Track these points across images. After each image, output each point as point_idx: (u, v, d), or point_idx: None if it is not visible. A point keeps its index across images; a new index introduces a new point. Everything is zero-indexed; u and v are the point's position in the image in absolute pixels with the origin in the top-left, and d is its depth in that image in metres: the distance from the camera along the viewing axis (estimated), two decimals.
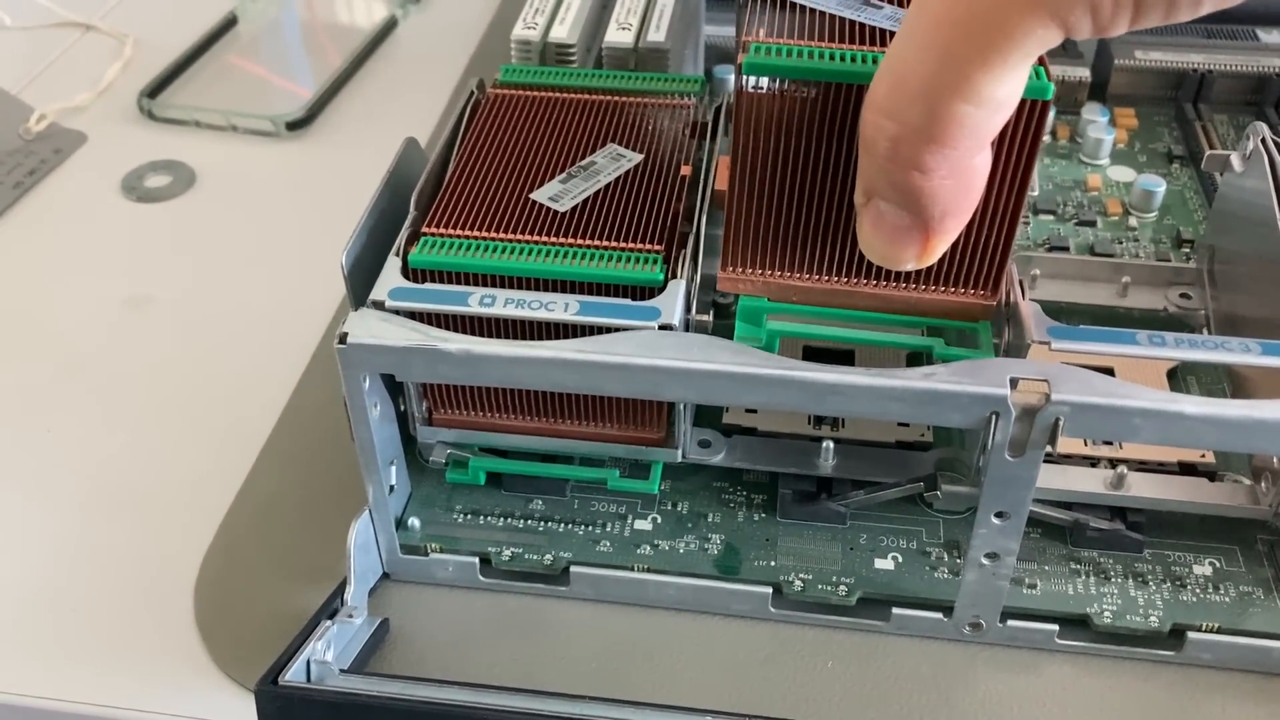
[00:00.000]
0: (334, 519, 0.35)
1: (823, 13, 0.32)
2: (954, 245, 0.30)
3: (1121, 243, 0.47)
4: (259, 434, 0.41)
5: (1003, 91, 0.25)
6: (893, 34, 0.30)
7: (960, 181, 0.26)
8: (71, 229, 0.52)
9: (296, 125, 0.57)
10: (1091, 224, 0.48)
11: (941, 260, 0.30)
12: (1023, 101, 0.28)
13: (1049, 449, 0.29)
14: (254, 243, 0.51)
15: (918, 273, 0.32)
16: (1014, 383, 0.29)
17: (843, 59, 0.29)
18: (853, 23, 0.31)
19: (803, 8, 0.32)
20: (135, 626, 0.36)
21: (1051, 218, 0.48)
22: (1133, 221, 0.48)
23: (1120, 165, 0.51)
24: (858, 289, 0.33)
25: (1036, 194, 0.49)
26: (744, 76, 0.30)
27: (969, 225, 0.29)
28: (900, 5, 0.32)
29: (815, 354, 0.36)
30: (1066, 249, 0.46)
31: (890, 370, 0.29)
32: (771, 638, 0.34)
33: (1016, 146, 0.30)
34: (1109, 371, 0.33)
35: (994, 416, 0.29)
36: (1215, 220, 0.43)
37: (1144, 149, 0.52)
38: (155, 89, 0.59)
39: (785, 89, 0.30)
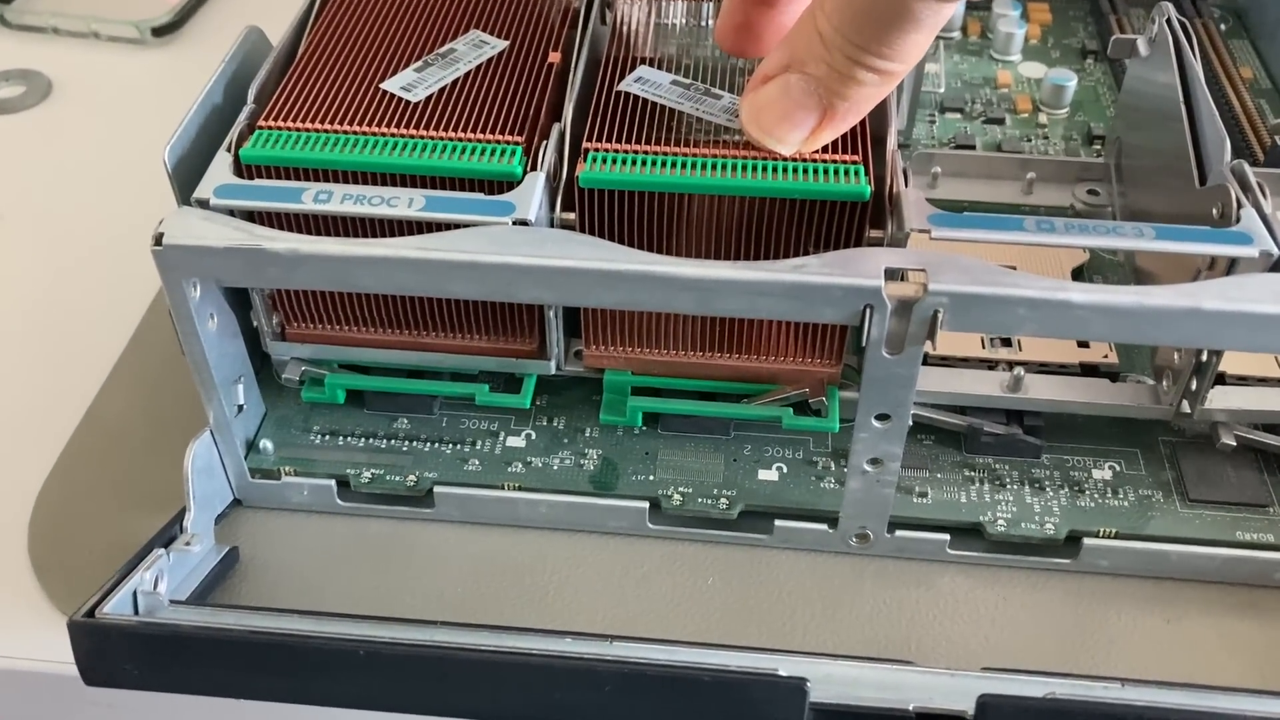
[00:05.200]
0: (184, 447, 0.33)
1: (664, 106, 0.32)
2: (800, 322, 0.31)
3: (1031, 140, 0.45)
4: (107, 358, 0.38)
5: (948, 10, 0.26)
6: (728, 128, 0.31)
7: (886, 90, 0.28)
8: None
9: (163, 31, 0.53)
10: (1000, 121, 0.46)
11: (788, 334, 0.32)
12: (842, 204, 0.29)
13: (930, 345, 0.27)
14: (114, 156, 0.47)
15: (768, 345, 0.32)
16: (891, 273, 0.26)
17: (674, 167, 0.29)
18: (689, 117, 0.31)
19: (646, 101, 0.32)
20: None
21: (959, 116, 0.46)
22: (1043, 118, 0.46)
23: (1032, 61, 0.49)
24: (715, 361, 0.33)
25: (943, 91, 0.47)
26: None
27: None
28: (739, 94, 0.32)
29: None
30: (973, 147, 0.44)
31: (758, 264, 0.27)
32: (649, 555, 0.32)
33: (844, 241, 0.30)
34: None
35: (868, 310, 0.26)
36: (1123, 113, 0.41)
37: (1057, 44, 0.50)
38: None
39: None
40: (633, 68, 0.33)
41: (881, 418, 0.29)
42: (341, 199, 0.29)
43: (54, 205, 0.45)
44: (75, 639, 0.26)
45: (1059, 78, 0.46)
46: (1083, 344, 0.35)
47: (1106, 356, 0.34)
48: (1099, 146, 0.44)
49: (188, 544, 0.30)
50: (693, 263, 0.27)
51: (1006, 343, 0.35)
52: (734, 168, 0.29)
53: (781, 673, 0.25)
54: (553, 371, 0.33)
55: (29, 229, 0.44)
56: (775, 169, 0.29)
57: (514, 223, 0.28)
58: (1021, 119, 0.46)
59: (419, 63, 0.33)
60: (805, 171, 0.29)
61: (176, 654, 0.27)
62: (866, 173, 0.29)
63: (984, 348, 0.34)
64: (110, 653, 0.27)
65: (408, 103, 0.32)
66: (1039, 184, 0.41)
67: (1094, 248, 0.29)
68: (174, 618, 0.27)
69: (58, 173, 0.47)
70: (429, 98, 0.32)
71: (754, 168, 0.29)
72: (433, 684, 0.26)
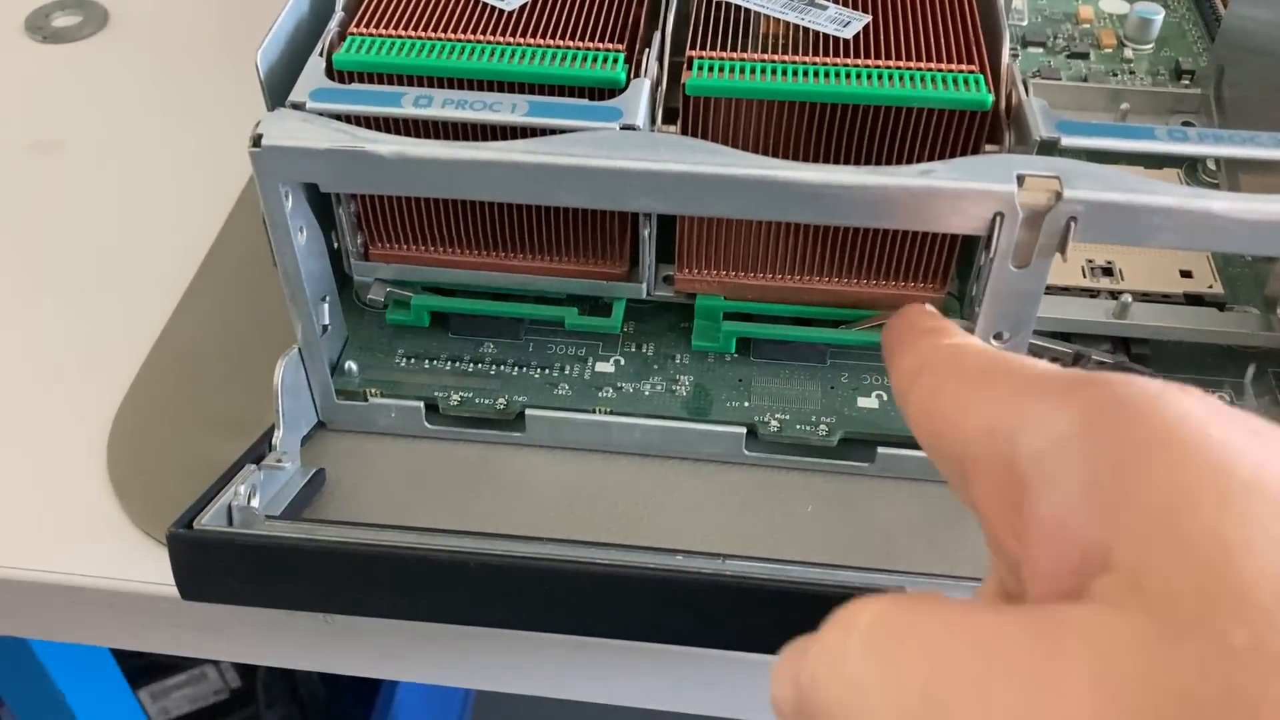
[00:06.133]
0: (261, 370, 0.32)
1: (768, 16, 0.30)
2: (905, 243, 0.30)
3: (1117, 75, 0.43)
4: (179, 282, 0.38)
5: None
6: (836, 38, 0.29)
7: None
8: None
9: None
10: (1084, 56, 0.44)
11: (892, 256, 0.31)
12: (962, 113, 0.28)
13: (1060, 258, 0.26)
14: (173, 85, 0.46)
15: (869, 268, 0.31)
16: (1021, 180, 0.25)
17: (784, 74, 0.28)
18: (797, 27, 0.30)
19: (748, 10, 0.31)
20: (42, 483, 0.32)
21: (1041, 50, 0.45)
22: (1128, 53, 0.44)
23: None
24: (811, 285, 0.32)
25: (1025, 24, 0.46)
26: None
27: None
28: (844, 5, 0.31)
29: None
30: (1058, 80, 0.43)
31: (883, 169, 0.26)
32: (746, 482, 0.31)
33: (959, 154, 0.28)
34: None
35: (998, 219, 0.25)
36: (1227, 40, 0.40)
37: None
38: None
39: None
40: None
41: (999, 337, 0.28)
42: (443, 103, 0.28)
43: (114, 133, 0.44)
44: (174, 550, 0.26)
45: (1146, 11, 0.44)
46: (1186, 274, 0.34)
47: (1211, 286, 0.33)
48: (1187, 82, 0.43)
49: (279, 461, 0.29)
50: (815, 168, 0.26)
51: (1108, 272, 0.34)
52: (848, 75, 0.28)
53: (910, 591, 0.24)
54: (644, 295, 0.33)
55: (91, 157, 0.43)
56: (892, 77, 0.28)
57: (622, 128, 0.27)
58: (1106, 54, 0.44)
59: None
60: (924, 80, 0.28)
61: (275, 567, 0.26)
62: (986, 82, 0.28)
63: (1084, 277, 0.33)
64: (207, 565, 0.26)
65: (500, 11, 0.31)
66: (1132, 116, 0.40)
67: (1228, 157, 0.28)
68: (271, 531, 0.26)
69: (117, 101, 0.46)
70: (523, 6, 0.31)
71: (869, 75, 0.28)
72: (544, 599, 0.25)
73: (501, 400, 0.32)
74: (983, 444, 0.16)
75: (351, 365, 0.33)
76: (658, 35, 0.30)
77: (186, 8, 0.50)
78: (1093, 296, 0.33)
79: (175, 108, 0.45)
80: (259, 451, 0.29)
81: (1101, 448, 0.14)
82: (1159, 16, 0.44)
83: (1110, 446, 0.14)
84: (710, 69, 0.28)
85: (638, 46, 0.30)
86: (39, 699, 0.53)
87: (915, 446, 0.31)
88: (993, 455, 0.15)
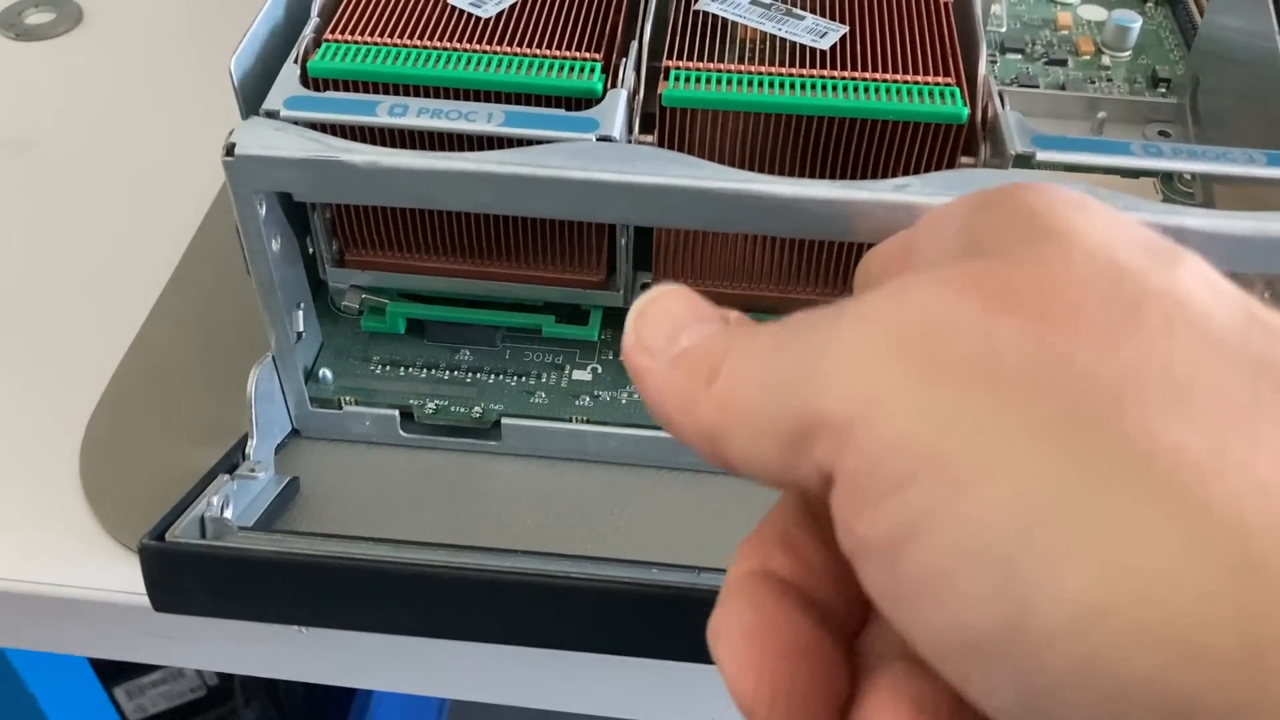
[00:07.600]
0: (236, 375, 0.31)
1: (745, 25, 0.30)
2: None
3: (1094, 83, 0.44)
4: (153, 286, 0.37)
5: None
6: (813, 49, 0.30)
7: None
8: None
9: None
10: (1062, 63, 0.44)
11: None
12: (938, 126, 0.28)
13: None
14: (148, 84, 0.46)
15: (847, 279, 0.31)
16: None
17: (760, 86, 0.28)
18: (773, 38, 0.30)
19: (726, 20, 0.31)
20: (14, 491, 0.32)
21: (1019, 57, 0.45)
22: (1106, 60, 0.45)
23: (1091, 4, 0.47)
24: (789, 295, 0.32)
25: (1004, 30, 0.46)
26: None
27: None
28: (821, 15, 0.31)
29: None
30: (1036, 87, 0.43)
31: (859, 183, 0.26)
32: (723, 492, 0.31)
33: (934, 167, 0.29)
34: None
35: None
36: (1203, 50, 0.40)
37: None
38: None
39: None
40: None
41: None
42: (418, 112, 0.27)
43: (87, 133, 0.44)
44: (146, 562, 0.25)
45: (1124, 18, 0.44)
46: None
47: None
48: (1164, 90, 0.43)
49: (252, 471, 0.29)
50: (790, 182, 0.26)
51: None
52: (824, 88, 0.28)
53: None
54: (622, 303, 0.32)
55: (63, 156, 0.43)
56: (868, 89, 0.28)
57: (598, 139, 0.27)
58: (1084, 61, 0.45)
59: None
60: (900, 93, 0.28)
61: (247, 579, 0.26)
62: (962, 95, 0.28)
63: None
64: (180, 577, 0.26)
65: (477, 19, 0.30)
66: (1109, 124, 0.40)
67: (1202, 173, 0.28)
68: (244, 543, 0.26)
69: (90, 100, 0.45)
70: (500, 14, 0.31)
71: (845, 88, 0.28)
72: (517, 613, 0.25)
73: (477, 408, 0.32)
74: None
75: (326, 373, 0.32)
76: (635, 44, 0.30)
77: (161, 5, 0.50)
78: None
79: (150, 107, 0.45)
80: (232, 461, 0.29)
81: (977, 199, 0.17)
82: (1136, 25, 0.44)
83: (985, 196, 0.17)
84: (687, 79, 0.28)
85: (615, 55, 0.30)
86: (10, 702, 0.53)
87: None
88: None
